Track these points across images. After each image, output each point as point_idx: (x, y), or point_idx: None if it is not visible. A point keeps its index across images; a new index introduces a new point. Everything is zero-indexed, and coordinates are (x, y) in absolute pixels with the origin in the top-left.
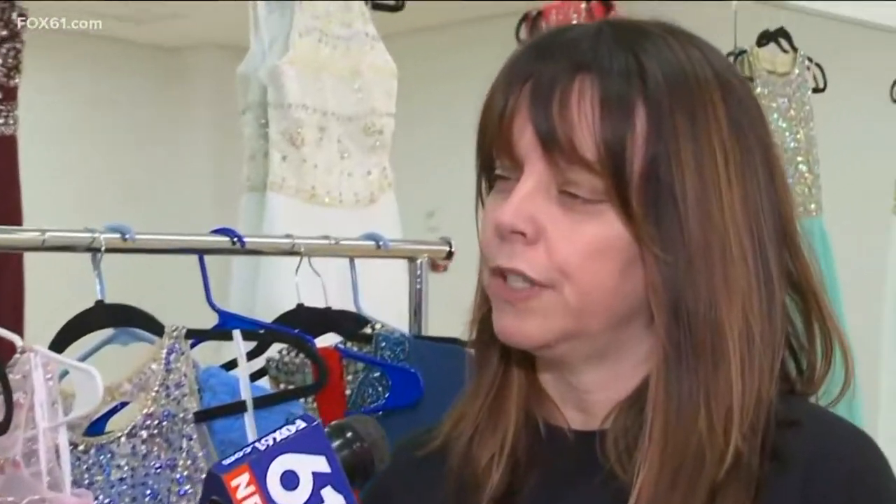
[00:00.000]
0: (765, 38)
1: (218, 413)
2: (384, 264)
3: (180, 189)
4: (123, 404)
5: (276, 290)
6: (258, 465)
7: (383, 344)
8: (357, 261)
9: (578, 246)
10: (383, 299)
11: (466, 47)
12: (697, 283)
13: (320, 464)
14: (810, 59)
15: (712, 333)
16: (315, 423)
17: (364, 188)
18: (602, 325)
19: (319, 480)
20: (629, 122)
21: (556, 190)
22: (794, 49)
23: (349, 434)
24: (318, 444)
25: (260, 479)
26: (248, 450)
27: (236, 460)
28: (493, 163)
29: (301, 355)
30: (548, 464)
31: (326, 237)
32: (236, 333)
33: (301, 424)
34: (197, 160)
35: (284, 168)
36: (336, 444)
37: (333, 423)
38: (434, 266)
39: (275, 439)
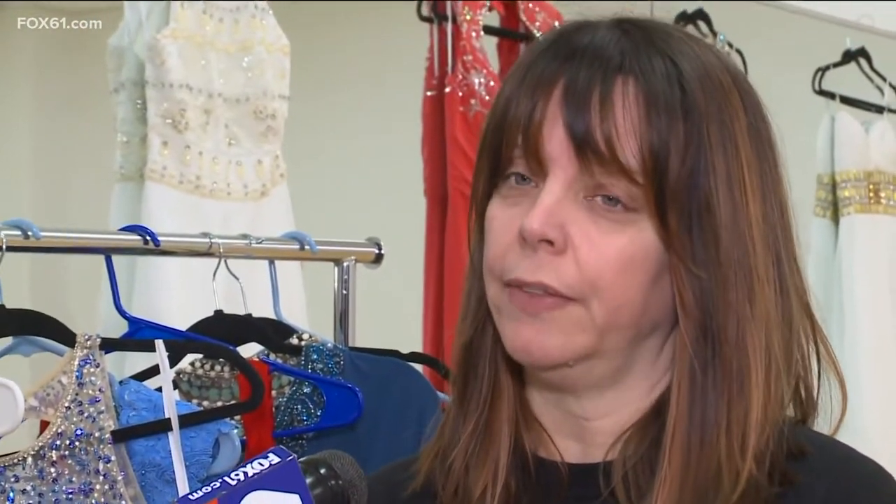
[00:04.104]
0: (683, 21)
1: (139, 432)
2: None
3: None
4: None
5: (156, 292)
6: (228, 501)
7: (315, 356)
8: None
9: (609, 257)
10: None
11: (359, 17)
12: (728, 301)
13: (294, 503)
14: (730, 45)
15: (739, 353)
16: (290, 458)
17: (255, 179)
18: (623, 342)
19: None
20: (674, 128)
21: (584, 195)
22: (714, 33)
23: (324, 470)
24: (293, 481)
25: None
26: (218, 484)
27: (205, 495)
28: (506, 168)
29: (216, 368)
30: (540, 499)
31: (246, 236)
32: (159, 344)
33: (274, 459)
34: (15, 143)
35: (165, 155)
36: (310, 480)
37: (307, 458)
38: None
39: (246, 474)
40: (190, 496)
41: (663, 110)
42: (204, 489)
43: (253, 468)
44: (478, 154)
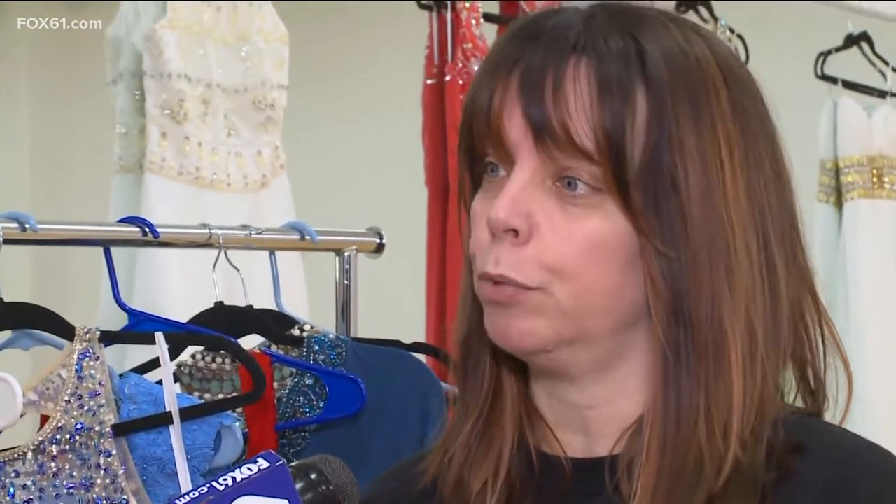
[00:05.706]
0: (683, 7)
1: (140, 426)
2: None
3: None
4: None
5: (156, 284)
6: None
7: (317, 347)
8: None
9: (576, 243)
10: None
11: (358, 5)
12: (700, 280)
13: None
14: (731, 30)
15: (714, 334)
16: (279, 462)
17: (255, 170)
18: (603, 327)
19: None
20: (629, 107)
21: (551, 181)
22: (715, 19)
23: (314, 476)
24: (282, 486)
25: None
26: (205, 489)
27: (192, 500)
28: (482, 159)
29: (217, 360)
30: (543, 495)
31: (246, 227)
32: (159, 336)
33: (263, 464)
34: (14, 135)
35: (164, 146)
36: (300, 485)
37: (297, 463)
38: None
39: (234, 479)
40: (176, 501)
41: (616, 89)
42: (191, 494)
43: (241, 473)
44: (458, 146)
